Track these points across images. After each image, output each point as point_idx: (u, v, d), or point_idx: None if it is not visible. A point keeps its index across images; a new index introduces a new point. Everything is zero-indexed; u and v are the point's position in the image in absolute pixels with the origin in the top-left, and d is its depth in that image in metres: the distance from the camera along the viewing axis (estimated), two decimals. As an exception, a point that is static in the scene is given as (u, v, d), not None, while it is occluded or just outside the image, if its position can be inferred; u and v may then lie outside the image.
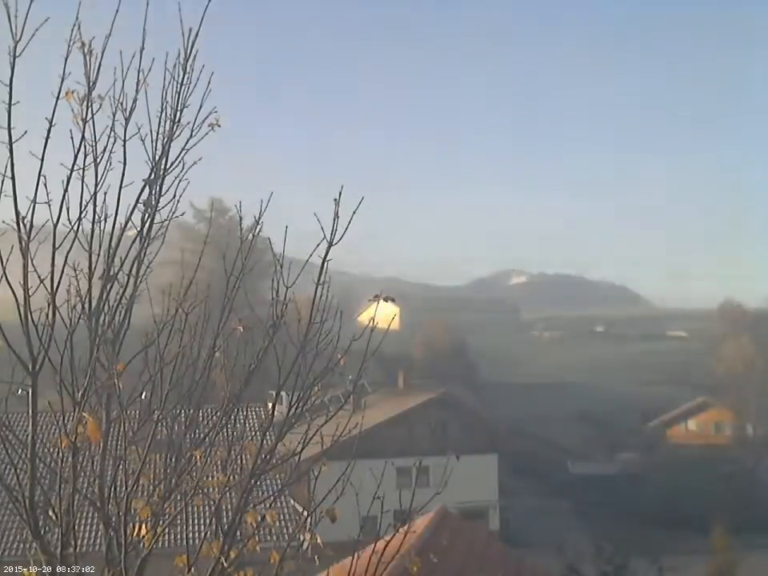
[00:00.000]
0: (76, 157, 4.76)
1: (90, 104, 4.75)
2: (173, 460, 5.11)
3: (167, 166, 5.05)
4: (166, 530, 5.04)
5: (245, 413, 5.50)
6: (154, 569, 5.00)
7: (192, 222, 65.66)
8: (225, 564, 4.88)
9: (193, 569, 4.88)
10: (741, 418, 54.11)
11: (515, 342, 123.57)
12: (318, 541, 5.04)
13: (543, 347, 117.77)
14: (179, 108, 4.99)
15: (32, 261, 4.61)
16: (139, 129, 4.94)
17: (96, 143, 4.81)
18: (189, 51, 4.94)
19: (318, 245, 4.85)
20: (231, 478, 5.14)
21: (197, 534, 5.30)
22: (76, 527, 4.85)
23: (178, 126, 5.01)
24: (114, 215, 4.93)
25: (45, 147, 4.57)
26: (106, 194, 4.88)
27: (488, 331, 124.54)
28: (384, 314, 5.08)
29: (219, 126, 5.00)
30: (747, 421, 53.61)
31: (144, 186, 5.02)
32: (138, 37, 4.82)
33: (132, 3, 4.89)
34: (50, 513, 4.73)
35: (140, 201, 5.01)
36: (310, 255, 4.95)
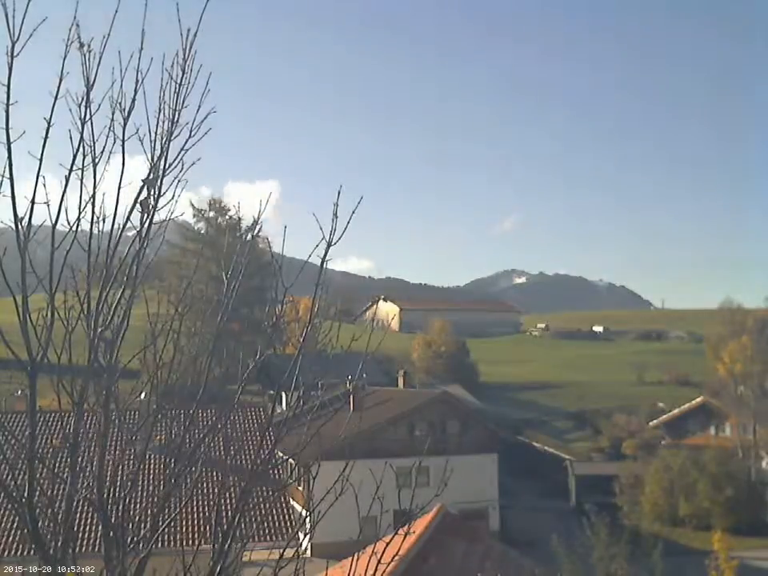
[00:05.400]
0: (75, 157, 4.75)
1: (88, 104, 4.74)
2: (171, 461, 5.11)
3: (166, 167, 5.04)
4: (165, 531, 5.03)
5: (244, 413, 5.50)
6: (154, 569, 5.00)
7: (192, 222, 65.67)
8: (224, 564, 4.87)
9: (192, 569, 4.88)
10: (741, 418, 54.07)
11: (515, 342, 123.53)
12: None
13: (543, 347, 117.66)
14: (178, 108, 4.98)
15: (30, 261, 4.60)
16: (138, 129, 4.94)
17: (95, 143, 4.80)
18: (187, 51, 4.93)
19: (317, 245, 4.84)
20: (230, 478, 5.14)
21: (196, 535, 5.30)
22: (75, 527, 4.84)
23: (176, 126, 5.00)
24: (112, 215, 4.93)
25: (43, 147, 4.57)
26: (104, 194, 4.87)
27: (488, 331, 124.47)
28: (384, 315, 5.09)
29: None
30: (747, 421, 53.57)
31: (143, 187, 5.01)
32: (137, 37, 4.81)
33: (130, 3, 4.88)
34: (49, 513, 4.72)
35: (138, 201, 5.00)
36: (309, 255, 4.94)
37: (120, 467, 4.94)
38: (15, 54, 4.41)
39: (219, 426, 5.34)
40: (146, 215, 5.01)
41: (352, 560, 5.10)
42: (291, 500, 21.76)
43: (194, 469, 5.20)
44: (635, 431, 62.67)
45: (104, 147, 4.81)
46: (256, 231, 5.78)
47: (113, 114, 4.81)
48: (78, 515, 4.88)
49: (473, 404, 59.17)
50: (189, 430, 5.18)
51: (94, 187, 4.82)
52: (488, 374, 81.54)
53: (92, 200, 4.83)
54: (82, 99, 4.72)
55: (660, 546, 25.94)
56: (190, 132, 5.00)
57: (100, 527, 4.92)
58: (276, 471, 5.98)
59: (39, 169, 4.55)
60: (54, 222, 4.68)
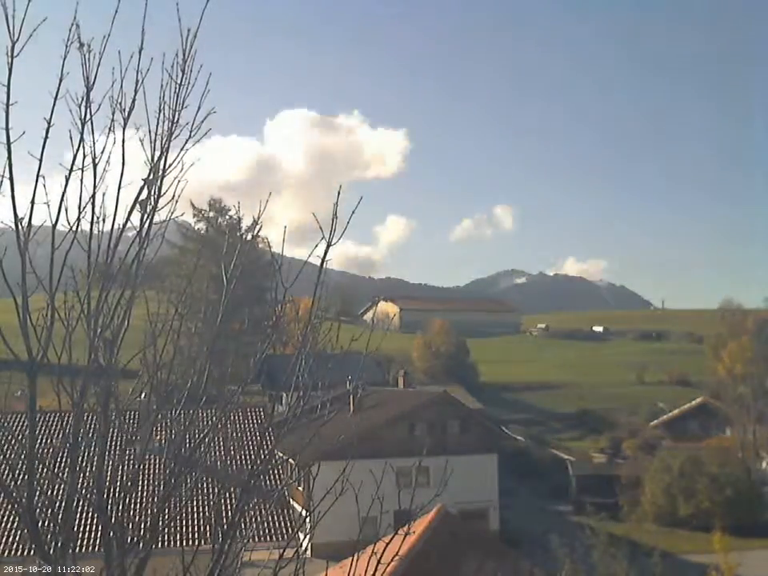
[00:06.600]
0: (75, 157, 4.75)
1: (88, 104, 4.74)
2: (171, 461, 5.10)
3: (166, 167, 5.04)
4: (165, 531, 5.04)
5: (244, 413, 5.51)
6: (154, 569, 5.00)
7: (192, 222, 65.64)
8: (224, 564, 4.87)
9: (192, 569, 4.88)
10: (740, 418, 54.07)
11: (515, 342, 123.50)
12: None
13: (543, 347, 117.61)
14: (178, 108, 4.98)
15: (30, 261, 4.60)
16: (138, 129, 4.94)
17: (95, 143, 4.80)
18: (187, 51, 4.93)
19: (316, 245, 4.84)
20: (230, 478, 5.14)
21: (196, 535, 5.30)
22: (75, 527, 4.85)
23: (176, 126, 5.00)
24: (112, 216, 4.93)
25: (43, 147, 4.57)
26: (104, 194, 4.87)
27: (488, 331, 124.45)
28: (384, 315, 5.09)
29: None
30: (747, 421, 53.56)
31: (143, 187, 5.01)
32: (137, 37, 4.81)
33: (130, 3, 4.88)
34: (49, 513, 4.72)
35: (137, 201, 5.00)
36: (309, 255, 4.95)
37: (120, 467, 4.94)
38: (15, 54, 4.41)
39: (219, 426, 5.34)
40: (145, 215, 5.01)
41: (352, 560, 5.10)
42: (291, 500, 21.74)
43: (193, 469, 5.20)
44: (635, 431, 62.64)
45: (104, 147, 4.82)
46: (256, 231, 5.78)
47: (113, 114, 4.82)
48: (78, 515, 4.87)
49: (473, 404, 59.14)
50: (189, 430, 5.18)
51: (94, 187, 4.82)
52: (488, 374, 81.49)
53: (92, 200, 4.83)
54: (82, 99, 4.72)
55: (659, 547, 25.97)
56: (190, 132, 5.00)
57: (100, 527, 4.93)
58: (276, 471, 5.98)
59: (39, 169, 4.55)
60: (54, 222, 4.69)
